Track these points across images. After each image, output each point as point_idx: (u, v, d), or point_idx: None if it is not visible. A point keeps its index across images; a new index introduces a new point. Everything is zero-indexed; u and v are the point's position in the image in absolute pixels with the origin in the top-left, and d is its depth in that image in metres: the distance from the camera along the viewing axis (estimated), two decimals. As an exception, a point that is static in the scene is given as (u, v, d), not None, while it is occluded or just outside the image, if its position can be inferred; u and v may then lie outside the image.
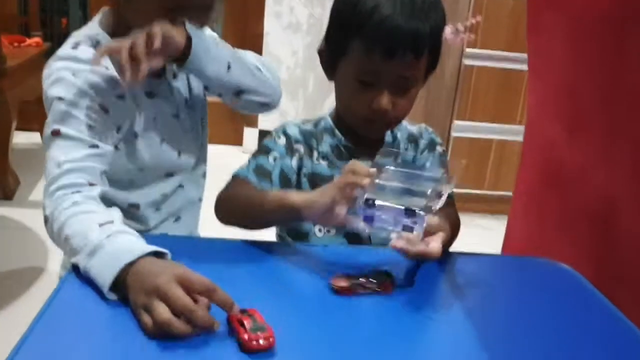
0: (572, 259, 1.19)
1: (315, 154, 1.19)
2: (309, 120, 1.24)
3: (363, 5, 1.08)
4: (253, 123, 3.76)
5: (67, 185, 1.00)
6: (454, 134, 2.99)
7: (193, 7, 1.09)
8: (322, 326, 0.85)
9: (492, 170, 3.06)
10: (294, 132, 1.19)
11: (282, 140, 1.17)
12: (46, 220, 0.99)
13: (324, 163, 1.19)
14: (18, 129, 2.95)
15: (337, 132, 1.20)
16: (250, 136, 3.68)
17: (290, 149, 1.17)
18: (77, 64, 1.08)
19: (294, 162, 1.17)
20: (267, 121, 3.71)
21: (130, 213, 1.21)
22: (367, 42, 1.08)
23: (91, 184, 1.02)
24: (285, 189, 1.15)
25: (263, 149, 1.17)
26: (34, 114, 3.16)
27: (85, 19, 3.98)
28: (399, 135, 1.25)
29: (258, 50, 3.63)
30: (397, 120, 1.16)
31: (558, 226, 1.37)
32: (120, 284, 0.84)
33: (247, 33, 3.67)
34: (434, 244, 0.94)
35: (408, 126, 1.28)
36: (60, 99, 1.05)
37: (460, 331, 0.88)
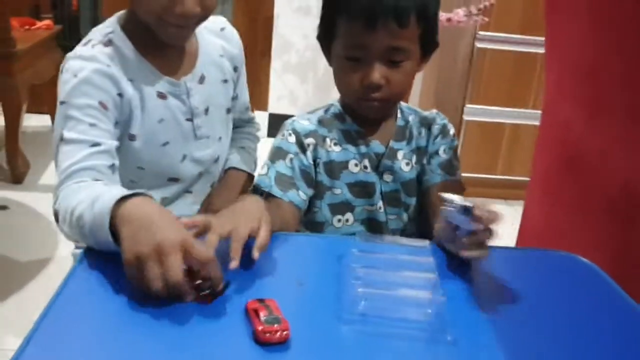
0: (590, 248, 1.16)
1: (328, 141, 1.19)
2: (317, 108, 1.24)
3: None
4: (263, 107, 3.74)
5: (73, 182, 0.99)
6: (466, 117, 2.95)
7: None
8: (337, 318, 0.83)
9: (504, 155, 3.03)
10: (302, 126, 1.19)
11: (293, 138, 1.18)
12: (56, 218, 0.98)
13: (337, 149, 1.19)
14: (28, 111, 2.94)
15: (347, 117, 1.20)
16: (261, 120, 3.65)
17: (301, 145, 1.17)
18: (80, 63, 1.07)
19: (308, 157, 1.17)
20: (277, 105, 3.71)
21: None
22: (349, 17, 1.09)
23: (96, 180, 1.01)
24: (309, 184, 1.17)
25: (278, 153, 1.17)
26: (44, 96, 3.16)
27: (95, 1, 3.96)
28: (410, 119, 1.25)
29: (268, 32, 3.61)
30: (394, 96, 1.15)
31: (576, 213, 1.34)
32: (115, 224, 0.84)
33: (258, 16, 3.63)
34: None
35: (419, 111, 1.28)
36: (62, 102, 1.05)
37: (471, 327, 0.86)
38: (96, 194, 0.89)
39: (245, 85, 1.37)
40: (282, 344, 0.74)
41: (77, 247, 1.21)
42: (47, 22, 3.21)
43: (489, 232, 0.94)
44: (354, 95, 1.15)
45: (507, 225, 1.55)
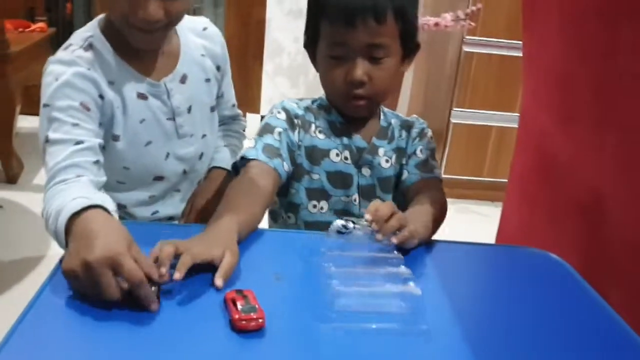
0: (562, 248, 1.21)
1: (313, 127, 1.24)
2: (304, 98, 1.29)
3: None
4: (255, 109, 3.79)
5: (56, 182, 1.01)
6: (453, 120, 3.00)
7: None
8: (313, 312, 0.86)
9: (491, 158, 3.08)
10: (292, 107, 1.24)
11: (283, 115, 1.22)
12: (43, 216, 1.00)
13: (321, 136, 1.24)
14: (22, 113, 2.97)
15: (332, 110, 1.25)
16: (253, 122, 3.70)
17: (291, 123, 1.22)
18: (61, 67, 1.09)
19: (295, 135, 1.22)
20: (269, 107, 3.74)
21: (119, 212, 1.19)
22: (330, 18, 1.15)
23: (79, 176, 1.02)
24: (292, 162, 1.21)
25: (267, 128, 1.21)
26: (38, 98, 3.18)
27: (89, 3, 4.00)
28: (392, 121, 1.30)
29: (260, 36, 3.65)
30: (377, 94, 1.20)
31: (549, 215, 1.39)
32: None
33: (250, 19, 3.69)
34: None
35: (400, 115, 1.33)
36: (45, 105, 1.08)
37: (444, 320, 0.89)
38: (61, 206, 0.91)
39: (230, 83, 1.40)
40: (257, 331, 0.79)
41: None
42: (41, 24, 3.24)
43: (388, 223, 1.00)
44: (340, 93, 1.20)
45: (493, 226, 1.61)
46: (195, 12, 3.83)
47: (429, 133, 1.31)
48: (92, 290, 0.81)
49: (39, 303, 0.83)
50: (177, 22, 1.16)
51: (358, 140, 1.24)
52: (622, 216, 1.18)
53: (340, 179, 1.24)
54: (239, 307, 0.80)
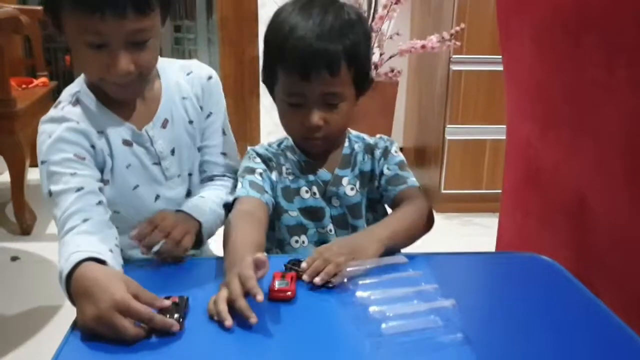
0: (555, 250, 1.26)
1: (284, 169, 1.29)
2: (272, 142, 1.34)
3: (281, 30, 1.17)
4: (256, 142, 3.86)
5: (64, 232, 1.07)
6: (448, 137, 3.05)
7: (116, 37, 1.08)
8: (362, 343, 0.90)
9: (488, 170, 3.11)
10: (264, 152, 1.29)
11: (258, 160, 1.28)
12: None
13: (290, 177, 1.29)
14: (30, 165, 2.96)
15: (297, 150, 1.30)
16: (254, 155, 3.77)
17: (267, 165, 1.27)
18: (52, 125, 1.15)
19: (273, 175, 1.28)
20: (268, 140, 3.82)
21: None
22: (286, 66, 1.18)
23: (85, 220, 1.08)
24: (273, 198, 1.26)
25: (248, 170, 1.26)
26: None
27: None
28: (356, 147, 1.33)
29: (255, 71, 3.74)
30: (333, 134, 1.24)
31: (541, 220, 1.44)
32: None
33: (244, 57, 3.78)
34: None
35: (366, 138, 1.35)
36: (42, 162, 1.13)
37: (445, 326, 0.92)
38: (60, 268, 0.99)
39: (218, 130, 1.36)
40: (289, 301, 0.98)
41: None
42: (43, 79, 3.31)
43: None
44: (298, 135, 1.26)
45: (494, 237, 1.66)
46: (191, 54, 3.93)
47: (393, 148, 1.33)
48: (115, 337, 0.87)
49: (69, 343, 0.89)
50: (150, 71, 1.19)
51: (323, 174, 1.29)
52: (605, 216, 1.23)
53: (313, 213, 1.29)
54: (277, 283, 0.99)
